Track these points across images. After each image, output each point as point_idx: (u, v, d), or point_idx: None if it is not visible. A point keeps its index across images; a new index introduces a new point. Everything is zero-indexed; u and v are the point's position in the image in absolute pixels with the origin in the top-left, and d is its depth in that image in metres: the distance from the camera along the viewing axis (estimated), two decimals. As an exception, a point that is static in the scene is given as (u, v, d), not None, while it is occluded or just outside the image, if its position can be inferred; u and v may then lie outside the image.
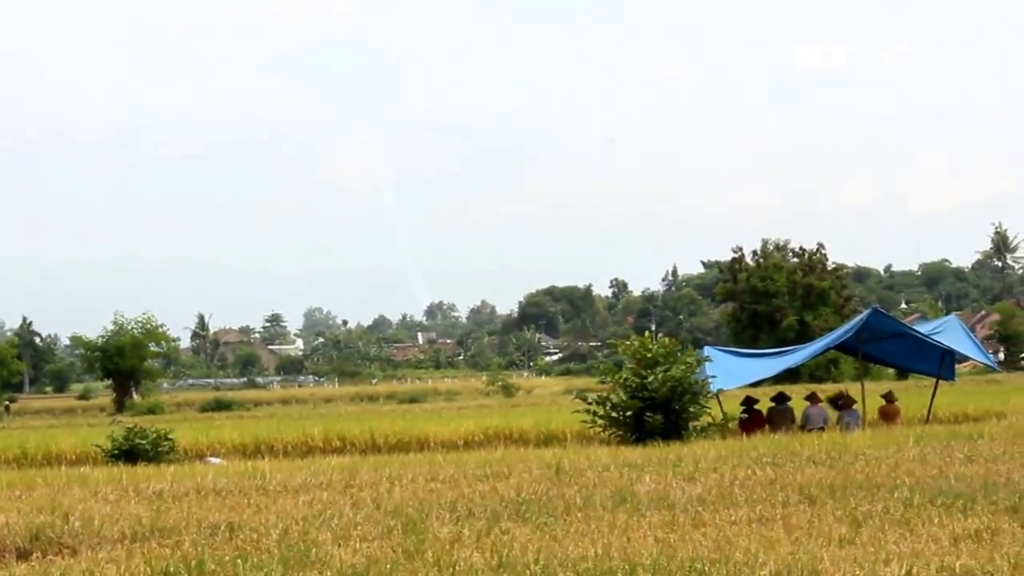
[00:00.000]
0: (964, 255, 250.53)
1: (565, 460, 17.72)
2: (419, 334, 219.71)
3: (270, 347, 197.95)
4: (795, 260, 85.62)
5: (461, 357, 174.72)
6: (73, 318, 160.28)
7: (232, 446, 34.03)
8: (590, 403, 25.93)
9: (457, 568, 9.36)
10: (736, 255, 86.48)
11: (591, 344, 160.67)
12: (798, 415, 28.11)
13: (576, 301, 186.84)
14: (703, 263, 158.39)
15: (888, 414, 28.57)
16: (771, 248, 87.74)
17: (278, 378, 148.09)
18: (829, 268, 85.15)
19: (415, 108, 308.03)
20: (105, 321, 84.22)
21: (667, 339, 27.44)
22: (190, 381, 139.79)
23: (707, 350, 28.58)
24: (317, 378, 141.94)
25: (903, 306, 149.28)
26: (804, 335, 68.86)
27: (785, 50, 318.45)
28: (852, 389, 29.38)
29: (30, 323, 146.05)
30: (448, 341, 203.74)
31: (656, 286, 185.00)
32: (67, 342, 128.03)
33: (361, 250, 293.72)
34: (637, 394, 25.00)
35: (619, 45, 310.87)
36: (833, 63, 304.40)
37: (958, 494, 12.15)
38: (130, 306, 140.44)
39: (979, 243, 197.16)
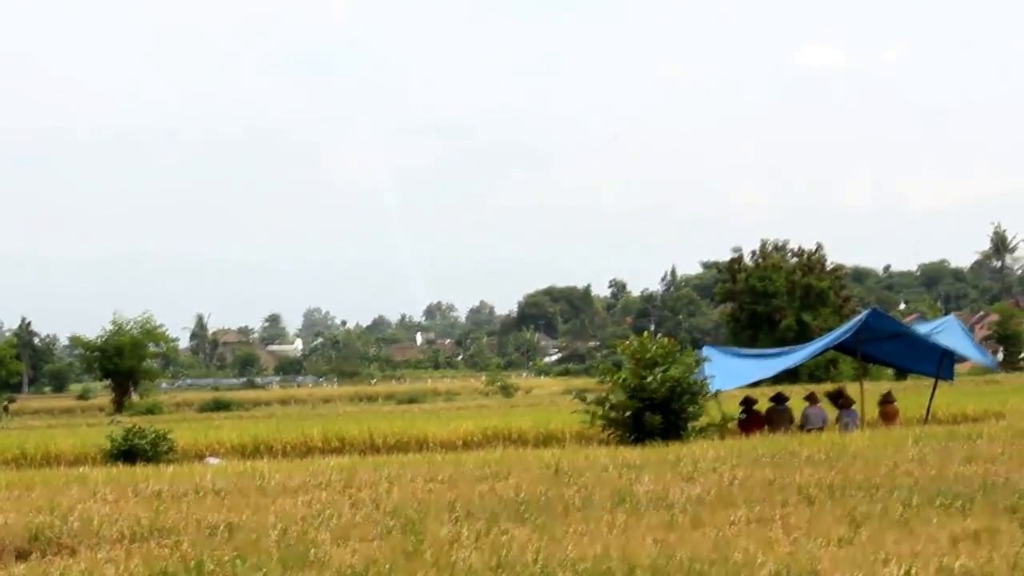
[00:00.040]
0: (963, 255, 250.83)
1: (564, 460, 17.72)
2: (418, 334, 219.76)
3: (269, 347, 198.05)
4: (794, 260, 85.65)
5: (460, 357, 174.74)
6: (72, 318, 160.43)
7: (231, 446, 34.03)
8: (589, 403, 25.92)
9: (456, 568, 9.36)
10: (735, 255, 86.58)
11: (590, 344, 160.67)
12: (797, 415, 28.12)
13: (575, 301, 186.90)
14: (702, 263, 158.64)
15: (887, 414, 28.56)
16: (770, 248, 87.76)
17: (277, 378, 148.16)
18: (828, 268, 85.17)
19: (414, 108, 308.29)
20: (104, 321, 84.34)
21: (666, 339, 27.40)
22: (189, 381, 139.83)
23: (706, 350, 28.57)
24: (316, 378, 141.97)
25: (902, 306, 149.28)
26: (803, 335, 68.89)
27: (785, 50, 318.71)
28: (851, 389, 29.36)
29: (29, 323, 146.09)
30: (447, 341, 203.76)
31: (655, 286, 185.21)
32: (66, 342, 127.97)
33: (360, 250, 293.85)
34: (636, 394, 24.99)
35: (618, 46, 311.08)
36: (832, 63, 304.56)
37: (957, 494, 12.15)
38: (129, 306, 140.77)
39: (978, 243, 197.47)
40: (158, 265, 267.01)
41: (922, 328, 30.43)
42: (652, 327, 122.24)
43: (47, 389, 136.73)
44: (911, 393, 36.12)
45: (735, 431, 26.57)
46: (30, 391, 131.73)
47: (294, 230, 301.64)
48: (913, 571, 8.77)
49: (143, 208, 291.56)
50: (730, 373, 27.63)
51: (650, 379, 24.86)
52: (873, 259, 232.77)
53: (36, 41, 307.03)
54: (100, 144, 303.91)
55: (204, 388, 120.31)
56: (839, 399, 28.73)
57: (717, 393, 27.07)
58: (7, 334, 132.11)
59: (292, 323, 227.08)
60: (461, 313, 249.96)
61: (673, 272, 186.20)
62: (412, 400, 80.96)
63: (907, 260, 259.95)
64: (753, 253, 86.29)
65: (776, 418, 27.64)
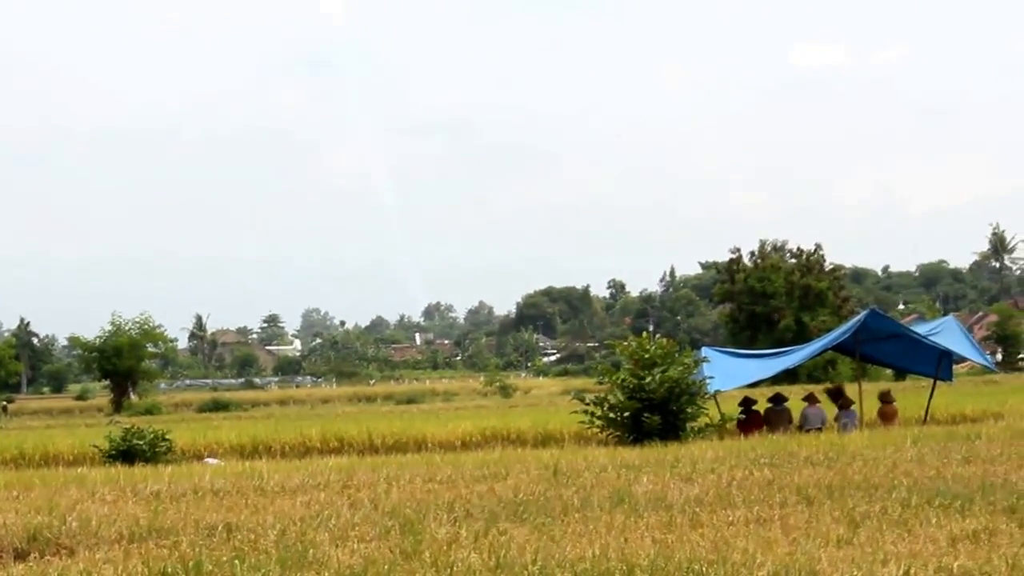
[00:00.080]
0: (962, 256, 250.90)
1: (563, 461, 17.72)
2: (417, 335, 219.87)
3: (268, 348, 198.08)
4: (793, 261, 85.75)
5: (459, 358, 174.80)
6: (71, 318, 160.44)
7: (230, 446, 34.06)
8: (588, 404, 25.93)
9: (455, 569, 9.36)
10: (734, 256, 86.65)
11: (589, 345, 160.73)
12: (796, 416, 28.14)
13: (574, 302, 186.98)
14: (701, 264, 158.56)
15: (886, 415, 28.58)
16: (769, 249, 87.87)
17: (276, 379, 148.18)
18: (827, 269, 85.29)
19: (413, 108, 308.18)
20: (103, 321, 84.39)
21: (665, 340, 27.42)
22: (188, 382, 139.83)
23: (705, 351, 28.60)
24: (315, 379, 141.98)
25: (901, 307, 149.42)
26: (802, 336, 68.98)
27: (784, 49, 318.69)
28: (850, 390, 29.39)
29: (28, 323, 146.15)
30: (446, 342, 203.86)
31: (654, 287, 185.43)
32: (65, 342, 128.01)
33: (359, 251, 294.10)
34: (635, 395, 25.00)
35: (617, 45, 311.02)
36: (832, 63, 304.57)
37: (956, 495, 12.15)
38: (128, 306, 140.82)
39: (977, 244, 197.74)
40: (157, 265, 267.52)
41: (921, 329, 30.45)
42: (651, 327, 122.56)
43: (46, 389, 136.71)
44: (910, 393, 36.17)
45: (734, 432, 26.58)
46: (29, 391, 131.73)
47: (293, 230, 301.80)
48: (912, 571, 8.77)
49: (142, 208, 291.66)
50: (729, 374, 27.66)
51: (649, 380, 24.87)
52: (872, 259, 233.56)
53: (36, 40, 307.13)
54: (99, 144, 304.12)
55: (203, 388, 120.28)
56: (838, 397, 28.76)
57: (716, 393, 27.10)
58: (6, 334, 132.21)
59: (291, 323, 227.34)
60: (460, 313, 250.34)
61: (672, 272, 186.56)
62: (411, 400, 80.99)
63: (906, 260, 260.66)
64: (752, 254, 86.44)
65: (775, 419, 27.66)
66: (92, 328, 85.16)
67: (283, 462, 23.40)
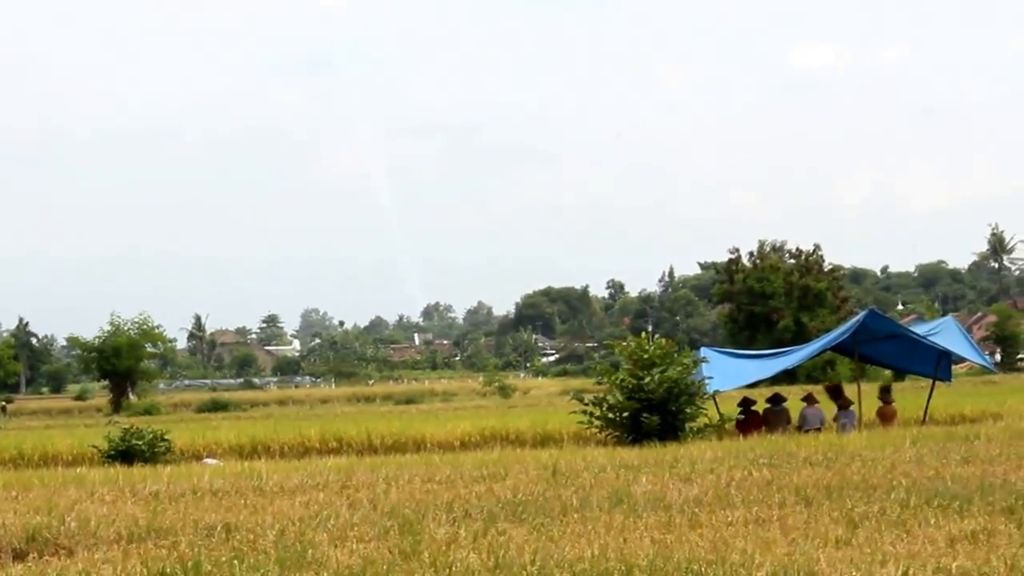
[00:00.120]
0: (961, 256, 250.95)
1: (562, 461, 17.72)
2: (416, 335, 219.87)
3: (267, 348, 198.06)
4: (792, 261, 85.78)
5: (458, 358, 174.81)
6: (70, 318, 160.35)
7: (229, 447, 34.07)
8: (587, 404, 25.93)
9: (453, 569, 9.36)
10: (733, 256, 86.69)
11: (588, 345, 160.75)
12: (795, 416, 28.15)
13: (573, 302, 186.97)
14: (700, 264, 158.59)
15: (885, 415, 28.59)
16: (768, 249, 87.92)
17: (275, 379, 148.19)
18: (826, 269, 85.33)
19: (412, 108, 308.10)
20: (102, 321, 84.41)
21: (664, 340, 27.45)
22: (187, 382, 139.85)
23: (704, 351, 28.61)
24: (314, 379, 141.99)
25: (900, 307, 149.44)
26: (801, 336, 68.99)
27: (782, 50, 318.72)
28: (849, 390, 29.40)
29: (27, 324, 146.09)
30: (445, 342, 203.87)
31: (653, 287, 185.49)
32: (64, 343, 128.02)
33: (358, 250, 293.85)
34: (634, 395, 25.00)
35: (617, 46, 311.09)
36: (832, 63, 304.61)
37: (954, 495, 12.16)
38: (127, 306, 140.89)
39: (975, 244, 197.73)
40: (156, 265, 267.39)
41: (920, 329, 30.48)
42: (650, 328, 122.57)
43: (45, 389, 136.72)
44: (909, 394, 36.18)
45: (733, 432, 26.59)
46: (28, 391, 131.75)
47: (292, 230, 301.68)
48: (911, 572, 8.77)
49: (141, 208, 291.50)
50: (728, 374, 27.68)
51: (648, 380, 24.87)
52: (871, 260, 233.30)
53: (36, 40, 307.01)
54: (99, 143, 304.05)
55: (202, 389, 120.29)
56: (838, 395, 28.79)
57: (715, 394, 27.11)
58: (5, 334, 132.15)
59: (290, 324, 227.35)
60: (459, 314, 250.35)
61: (671, 273, 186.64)
62: (410, 401, 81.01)
63: (905, 261, 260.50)
64: (751, 254, 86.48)
65: (774, 419, 27.67)
66: (91, 328, 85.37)
67: (282, 462, 23.40)
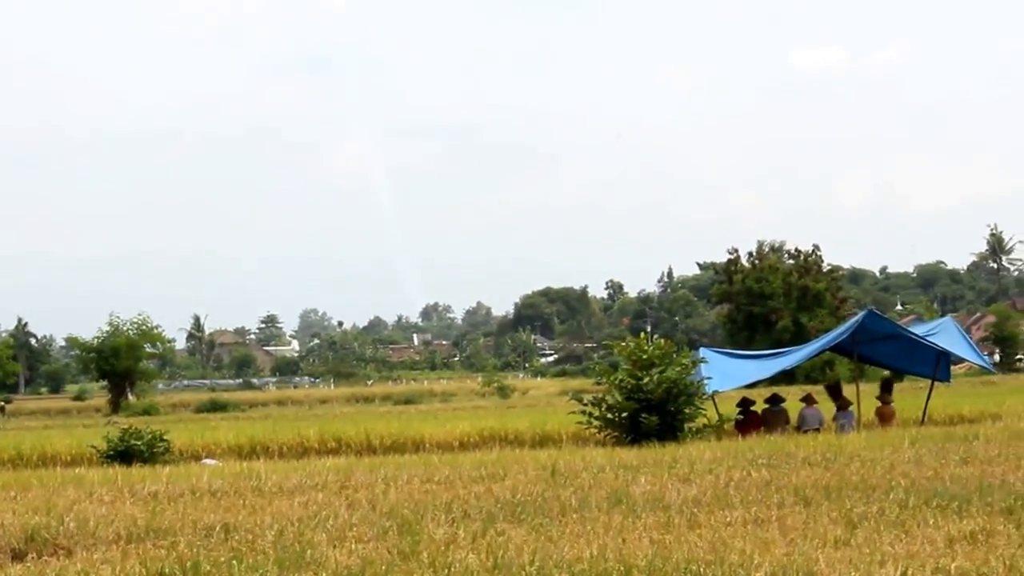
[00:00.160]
0: (960, 257, 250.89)
1: (561, 461, 17.73)
2: (415, 335, 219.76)
3: (266, 348, 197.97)
4: (791, 262, 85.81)
5: (457, 358, 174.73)
6: (69, 319, 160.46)
7: (227, 447, 34.06)
8: (586, 404, 25.94)
9: (452, 569, 9.36)
10: (732, 256, 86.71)
11: (587, 345, 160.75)
12: (793, 416, 28.16)
13: (572, 302, 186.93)
14: (699, 264, 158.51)
15: (883, 415, 28.61)
16: (767, 250, 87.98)
17: (274, 379, 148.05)
18: (825, 270, 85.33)
19: (411, 108, 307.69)
20: (101, 322, 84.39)
21: (663, 340, 27.46)
22: (185, 382, 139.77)
23: (703, 351, 28.63)
24: (313, 379, 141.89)
25: (898, 308, 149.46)
26: (800, 337, 69.00)
27: (781, 50, 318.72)
28: (847, 391, 29.42)
29: (25, 323, 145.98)
30: (444, 342, 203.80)
31: (652, 287, 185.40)
32: (62, 343, 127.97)
33: (357, 251, 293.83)
34: (633, 395, 25.01)
35: (616, 47, 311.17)
36: (831, 63, 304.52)
37: (953, 496, 12.17)
38: (126, 307, 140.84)
39: (974, 245, 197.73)
40: (155, 265, 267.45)
41: (919, 329, 30.51)
42: (649, 328, 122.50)
43: (43, 390, 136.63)
44: (907, 394, 36.18)
45: (731, 432, 26.60)
46: (26, 392, 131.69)
47: (291, 230, 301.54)
48: (909, 572, 8.78)
49: (140, 208, 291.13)
50: (727, 374, 27.70)
51: (646, 380, 24.89)
52: (869, 260, 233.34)
53: (36, 40, 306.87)
54: (98, 143, 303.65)
55: (200, 389, 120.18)
56: (837, 396, 28.81)
57: (714, 394, 27.12)
58: (4, 334, 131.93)
59: (289, 324, 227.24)
60: (458, 314, 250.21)
61: (670, 273, 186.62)
62: (408, 401, 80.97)
63: (904, 261, 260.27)
64: (750, 254, 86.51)
65: (772, 419, 27.69)
66: (90, 328, 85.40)
67: (281, 463, 23.42)
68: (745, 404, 28.49)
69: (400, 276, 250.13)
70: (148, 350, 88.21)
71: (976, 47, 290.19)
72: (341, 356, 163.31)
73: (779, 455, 17.28)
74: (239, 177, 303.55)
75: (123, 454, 27.64)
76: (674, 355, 26.01)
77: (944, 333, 28.88)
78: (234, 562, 9.89)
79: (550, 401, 61.32)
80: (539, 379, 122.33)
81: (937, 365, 29.29)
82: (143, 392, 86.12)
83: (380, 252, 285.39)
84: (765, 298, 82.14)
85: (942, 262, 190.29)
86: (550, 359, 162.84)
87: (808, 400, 28.53)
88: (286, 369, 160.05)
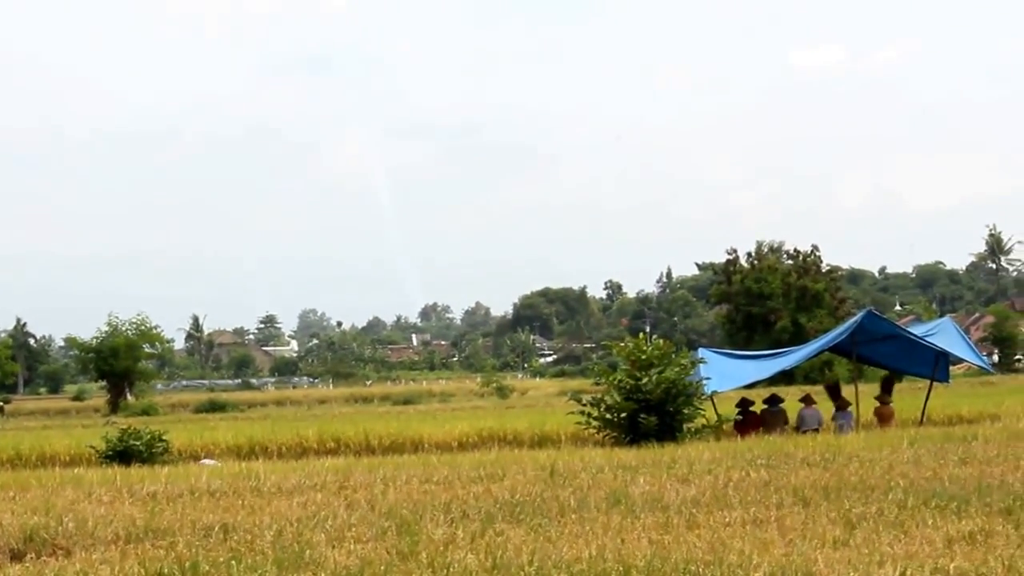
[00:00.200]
0: (958, 257, 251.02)
1: (559, 462, 17.73)
2: (413, 336, 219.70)
3: (264, 348, 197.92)
4: (789, 262, 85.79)
5: (455, 359, 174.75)
6: (68, 319, 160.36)
7: (226, 447, 34.05)
8: (584, 405, 25.95)
9: (451, 570, 9.37)
10: (730, 257, 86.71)
11: (585, 346, 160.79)
12: (792, 417, 28.17)
13: (570, 303, 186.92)
14: (697, 265, 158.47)
15: (882, 416, 28.63)
16: (765, 250, 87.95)
17: (272, 379, 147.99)
18: (823, 270, 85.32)
19: (411, 108, 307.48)
20: (100, 322, 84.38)
21: (661, 341, 27.46)
22: (184, 382, 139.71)
23: (701, 352, 28.64)
24: (311, 379, 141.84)
25: (897, 308, 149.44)
26: (798, 337, 68.98)
27: (781, 50, 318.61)
28: (846, 391, 29.43)
29: (24, 324, 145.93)
30: (442, 343, 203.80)
31: (650, 288, 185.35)
32: (61, 343, 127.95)
33: (356, 251, 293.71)
34: (631, 396, 25.02)
35: (616, 47, 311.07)
36: (831, 63, 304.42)
37: (952, 496, 12.17)
38: (125, 307, 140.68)
39: (973, 245, 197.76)
40: (154, 265, 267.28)
41: (917, 330, 30.53)
42: (647, 329, 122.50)
43: (42, 390, 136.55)
44: (906, 395, 36.18)
45: (730, 433, 26.61)
46: (25, 392, 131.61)
47: (291, 230, 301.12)
48: (908, 573, 8.78)
49: (140, 208, 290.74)
50: (726, 375, 27.71)
51: (645, 381, 24.89)
52: (869, 260, 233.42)
53: (36, 40, 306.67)
54: (98, 143, 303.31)
55: (199, 389, 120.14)
56: (836, 396, 28.82)
57: (713, 395, 27.13)
58: (3, 335, 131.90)
59: (287, 324, 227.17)
60: (457, 315, 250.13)
61: (669, 273, 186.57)
62: (407, 401, 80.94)
63: (903, 262, 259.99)
64: (749, 255, 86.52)
65: (771, 420, 27.70)
66: (89, 329, 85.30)
67: (280, 463, 23.42)
68: (744, 404, 28.49)
69: (399, 276, 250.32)
70: (147, 350, 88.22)
71: (976, 47, 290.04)
72: (340, 356, 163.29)
73: (778, 455, 17.29)
74: (239, 177, 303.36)
75: (122, 454, 27.64)
76: (673, 355, 26.02)
77: (943, 333, 28.89)
78: (233, 562, 9.89)
79: (549, 401, 61.34)
80: (538, 379, 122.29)
81: (936, 365, 29.31)
82: (142, 392, 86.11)
83: (379, 252, 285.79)
84: (764, 298, 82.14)
85: (941, 262, 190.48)
86: (549, 359, 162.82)
87: (807, 400, 28.53)
88: (285, 369, 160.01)
